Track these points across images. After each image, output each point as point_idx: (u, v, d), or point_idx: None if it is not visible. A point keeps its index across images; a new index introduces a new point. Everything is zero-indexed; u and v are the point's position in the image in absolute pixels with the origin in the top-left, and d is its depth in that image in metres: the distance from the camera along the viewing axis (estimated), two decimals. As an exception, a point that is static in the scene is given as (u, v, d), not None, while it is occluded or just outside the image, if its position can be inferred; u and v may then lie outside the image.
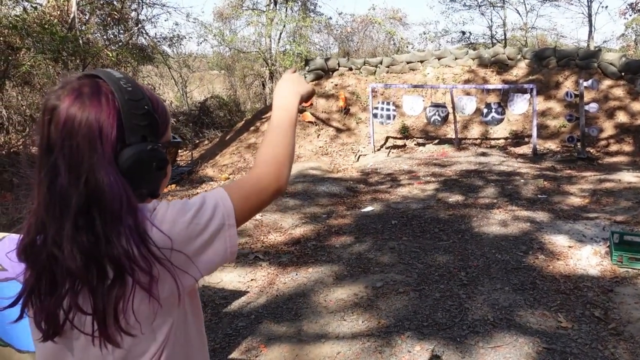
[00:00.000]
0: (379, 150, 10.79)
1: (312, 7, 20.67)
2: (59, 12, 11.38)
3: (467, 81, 12.26)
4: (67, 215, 0.95)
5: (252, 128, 12.40)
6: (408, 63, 13.17)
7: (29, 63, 9.83)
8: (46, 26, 8.88)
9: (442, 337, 3.46)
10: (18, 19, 8.68)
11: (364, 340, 3.46)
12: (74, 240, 0.95)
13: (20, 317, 1.07)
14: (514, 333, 3.46)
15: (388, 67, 13.16)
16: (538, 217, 5.92)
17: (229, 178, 9.52)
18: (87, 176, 0.95)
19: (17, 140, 9.69)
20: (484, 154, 9.72)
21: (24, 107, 10.69)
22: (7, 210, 7.77)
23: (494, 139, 11.02)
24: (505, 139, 10.95)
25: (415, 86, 11.15)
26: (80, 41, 9.84)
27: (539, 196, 6.86)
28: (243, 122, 13.90)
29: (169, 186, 8.65)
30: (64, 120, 0.97)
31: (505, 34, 23.76)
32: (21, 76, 9.86)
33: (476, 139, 11.08)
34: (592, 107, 9.36)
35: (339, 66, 13.30)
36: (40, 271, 1.00)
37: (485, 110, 10.25)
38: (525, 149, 10.30)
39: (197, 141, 15.47)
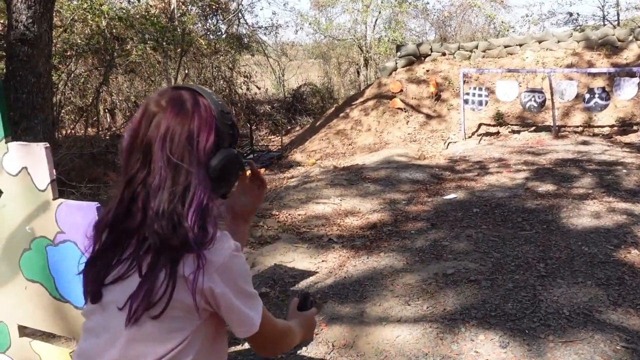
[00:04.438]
0: (470, 137, 10.43)
1: (409, -8, 20.26)
2: (162, 4, 12.06)
3: (570, 65, 11.46)
4: (164, 189, 1.08)
5: (341, 115, 12.45)
6: (506, 47, 12.53)
7: (136, 53, 10.55)
8: (149, 17, 9.45)
9: (509, 328, 3.30)
10: (124, 11, 9.32)
11: (426, 325, 3.39)
12: (165, 210, 1.07)
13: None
14: (590, 329, 3.23)
15: (484, 51, 12.61)
16: (637, 209, 5.44)
17: (315, 163, 9.64)
18: (183, 170, 1.08)
19: (122, 125, 10.44)
20: (584, 143, 9.08)
21: (131, 94, 11.48)
22: (110, 189, 8.41)
23: (597, 126, 10.25)
24: (611, 126, 10.15)
25: (510, 70, 10.61)
26: (179, 30, 10.37)
27: (642, 188, 6.30)
28: (333, 108, 13.99)
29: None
30: (167, 124, 1.09)
31: (618, 15, 21.74)
32: (127, 65, 10.58)
33: (577, 126, 10.37)
34: None
35: (431, 51, 12.94)
36: (120, 234, 1.12)
37: (587, 96, 9.55)
38: (633, 138, 9.48)
39: (289, 127, 15.80)
